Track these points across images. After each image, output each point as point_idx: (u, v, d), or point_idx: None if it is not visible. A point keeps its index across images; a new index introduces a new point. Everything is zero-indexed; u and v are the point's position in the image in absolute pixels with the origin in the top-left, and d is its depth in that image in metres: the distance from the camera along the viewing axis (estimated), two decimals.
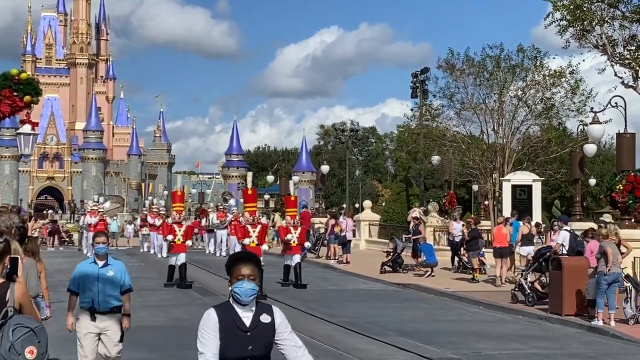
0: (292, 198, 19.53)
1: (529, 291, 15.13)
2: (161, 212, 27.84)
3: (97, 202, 30.42)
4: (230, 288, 3.28)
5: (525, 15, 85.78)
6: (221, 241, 27.37)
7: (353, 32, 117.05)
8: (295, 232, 17.16)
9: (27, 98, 9.86)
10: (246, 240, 15.91)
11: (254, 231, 15.83)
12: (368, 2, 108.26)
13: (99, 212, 25.35)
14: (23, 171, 55.26)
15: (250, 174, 21.32)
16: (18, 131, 13.52)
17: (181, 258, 16.89)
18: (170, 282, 17.07)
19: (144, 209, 36.69)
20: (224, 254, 26.70)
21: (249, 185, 18.27)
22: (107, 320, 6.93)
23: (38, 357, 4.49)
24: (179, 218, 17.75)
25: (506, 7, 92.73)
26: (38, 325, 4.65)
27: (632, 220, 16.90)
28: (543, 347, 12.12)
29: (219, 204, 34.41)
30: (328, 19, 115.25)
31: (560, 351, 12.01)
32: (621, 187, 17.14)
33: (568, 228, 16.35)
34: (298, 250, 17.46)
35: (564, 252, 15.24)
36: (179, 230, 16.94)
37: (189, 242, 17.58)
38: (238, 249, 26.52)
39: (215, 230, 27.73)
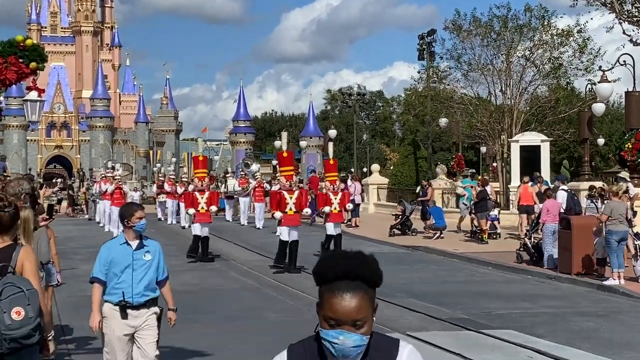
0: (332, 161, 17.69)
1: (533, 250, 15.22)
2: (183, 180, 25.87)
3: (111, 168, 28.90)
4: (318, 328, 1.84)
5: None
6: (244, 209, 26.38)
7: None
8: (336, 199, 15.75)
9: (32, 64, 9.85)
10: (277, 214, 14.35)
11: (290, 197, 14.46)
12: None
13: (115, 179, 23.58)
14: (31, 140, 55.36)
15: (285, 135, 18.82)
16: (25, 98, 13.50)
17: (206, 230, 15.94)
18: (193, 255, 15.96)
19: (160, 175, 35.24)
20: (245, 222, 26.08)
21: (284, 147, 16.28)
22: (142, 317, 5.57)
23: (25, 319, 4.37)
24: (202, 185, 16.28)
25: None
26: (31, 288, 4.51)
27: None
28: (553, 306, 12.19)
29: (241, 169, 33.10)
30: None
31: (570, 310, 12.06)
32: (630, 146, 17.33)
33: (566, 188, 16.41)
34: (340, 217, 16.40)
35: (562, 211, 15.05)
36: (202, 198, 15.76)
37: (213, 208, 16.26)
38: (261, 216, 24.45)
39: (237, 197, 26.77)
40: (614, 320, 11.19)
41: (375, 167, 34.05)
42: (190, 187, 21.30)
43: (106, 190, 23.59)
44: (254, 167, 34.63)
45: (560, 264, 14.51)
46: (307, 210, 15.96)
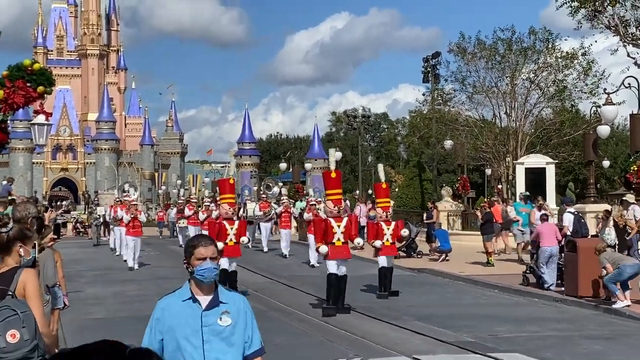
0: (384, 185, 15.21)
1: (539, 273, 14.82)
2: (206, 204, 23.73)
3: (127, 191, 26.00)
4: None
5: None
6: (266, 234, 24.25)
7: (362, 17, 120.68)
8: (388, 229, 13.91)
9: (40, 88, 9.77)
10: (323, 248, 12.17)
11: (338, 226, 12.38)
12: None
13: (132, 205, 20.52)
14: (37, 163, 55.45)
15: (333, 152, 15.56)
16: (32, 122, 13.61)
17: (234, 264, 13.71)
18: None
19: (181, 198, 32.45)
20: (266, 249, 23.78)
21: (333, 166, 13.04)
22: None
23: (21, 342, 4.32)
24: (231, 213, 13.95)
25: None
26: (26, 310, 4.44)
27: None
28: (560, 329, 12.12)
29: (262, 192, 30.12)
30: (338, 4, 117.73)
31: (577, 333, 11.98)
32: (635, 168, 17.33)
33: (572, 210, 16.43)
34: (393, 250, 14.66)
35: (568, 234, 15.12)
36: (231, 229, 13.36)
37: (244, 239, 13.79)
38: (288, 244, 21.84)
39: (257, 222, 24.34)
40: (622, 343, 11.08)
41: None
42: (214, 214, 19.53)
43: (122, 218, 21.15)
44: (276, 189, 32.33)
45: (566, 287, 14.52)
46: (358, 241, 13.29)
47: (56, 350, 7.45)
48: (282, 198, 25.17)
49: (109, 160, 55.99)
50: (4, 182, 23.92)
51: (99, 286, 17.95)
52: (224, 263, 13.33)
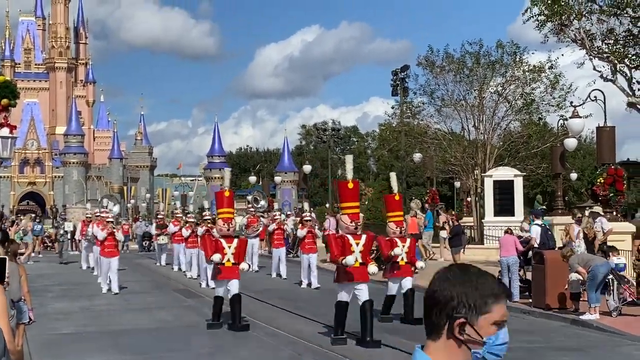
0: (397, 197, 13.55)
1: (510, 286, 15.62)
2: (189, 220, 21.93)
3: (105, 207, 23.31)
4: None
5: (502, 11, 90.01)
6: (255, 251, 22.42)
7: (333, 30, 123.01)
8: (404, 246, 12.61)
9: (4, 101, 9.73)
10: (350, 259, 10.50)
11: (357, 244, 10.81)
12: (347, 0, 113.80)
13: (108, 222, 18.45)
14: (4, 177, 55.65)
15: (350, 158, 12.66)
16: None
17: (233, 287, 12.19)
18: (216, 322, 12.38)
19: (161, 212, 30.44)
20: (256, 267, 21.95)
21: (350, 175, 11.20)
22: None
23: None
24: (228, 230, 12.59)
25: (483, 3, 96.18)
26: None
27: (614, 213, 17.36)
28: (528, 341, 12.17)
29: (250, 206, 27.32)
30: (308, 18, 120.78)
31: (545, 344, 12.25)
32: (602, 181, 17.73)
33: (540, 222, 16.63)
34: (409, 271, 12.88)
35: (535, 246, 15.38)
36: (229, 247, 12.22)
37: (243, 266, 12.40)
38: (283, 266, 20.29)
39: (245, 237, 22.45)
40: (589, 355, 11.28)
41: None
42: (200, 230, 18.74)
43: (98, 237, 19.24)
44: (263, 202, 31.29)
45: (534, 299, 14.78)
46: (373, 270, 11.08)
47: None
48: (274, 214, 23.21)
49: (77, 174, 56.15)
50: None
51: (66, 301, 17.86)
52: (219, 288, 12.38)
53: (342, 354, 11.28)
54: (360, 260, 10.62)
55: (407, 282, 12.71)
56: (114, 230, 17.96)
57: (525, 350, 11.44)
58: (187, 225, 21.70)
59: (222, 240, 12.22)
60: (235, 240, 12.44)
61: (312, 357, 11.23)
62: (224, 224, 12.48)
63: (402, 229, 13.25)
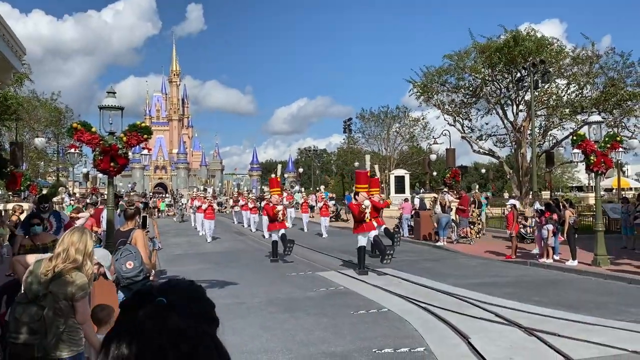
0: (369, 174, 18.37)
1: (402, 228, 22.71)
2: (251, 196, 31.05)
3: (203, 190, 34.69)
4: None
5: (397, 91, 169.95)
6: (290, 216, 28.27)
7: (313, 100, 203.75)
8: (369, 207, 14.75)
9: (145, 135, 10.87)
10: (365, 207, 14.49)
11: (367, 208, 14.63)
12: (318, 82, 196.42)
13: (206, 198, 25.83)
14: (146, 175, 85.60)
15: (368, 157, 17.84)
16: (141, 152, 21.74)
17: (282, 231, 16.59)
18: (275, 258, 16.12)
19: (235, 192, 43.98)
20: (306, 229, 27.06)
21: (368, 168, 14.20)
22: None
23: (135, 267, 6.15)
24: (279, 201, 17.16)
25: (388, 87, 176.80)
26: (136, 251, 6.35)
27: (454, 192, 23.93)
28: (411, 256, 16.73)
29: (287, 189, 37.74)
30: (301, 93, 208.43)
31: (419, 258, 16.53)
32: (448, 175, 25.33)
33: (418, 197, 24.15)
34: (372, 227, 14.91)
35: (416, 209, 22.74)
36: (279, 211, 16.56)
37: (288, 224, 17.31)
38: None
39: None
40: (442, 263, 15.25)
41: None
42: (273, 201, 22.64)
43: (200, 206, 25.75)
44: (297, 187, 46.13)
45: (414, 234, 21.51)
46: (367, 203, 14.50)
47: (153, 272, 10.01)
48: (321, 194, 30.93)
49: (184, 173, 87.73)
50: (129, 186, 34.67)
51: (178, 237, 25.13)
52: (273, 235, 16.69)
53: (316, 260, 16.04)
54: (369, 218, 14.18)
55: (372, 234, 14.55)
56: (212, 203, 24.34)
57: (408, 261, 15.47)
58: (251, 199, 30.31)
59: (277, 206, 16.59)
60: (281, 207, 16.72)
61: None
62: (278, 197, 17.16)
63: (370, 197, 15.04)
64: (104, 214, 11.65)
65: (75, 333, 3.81)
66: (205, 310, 1.11)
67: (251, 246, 20.94)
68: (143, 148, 20.95)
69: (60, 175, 39.11)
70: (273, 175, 18.12)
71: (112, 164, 10.09)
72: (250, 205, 28.58)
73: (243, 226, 29.63)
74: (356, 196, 14.82)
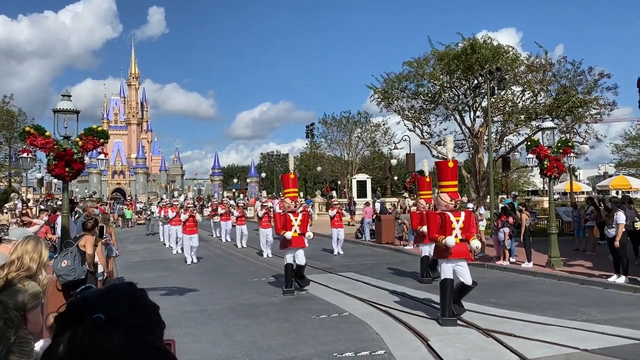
0: (427, 179, 13.93)
1: (364, 233, 23.19)
2: (239, 204, 25.15)
3: (175, 197, 29.86)
4: None
5: (359, 96, 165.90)
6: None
7: (275, 105, 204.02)
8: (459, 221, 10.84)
9: (101, 140, 10.77)
10: (450, 240, 9.09)
11: (457, 221, 9.48)
12: (279, 88, 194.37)
13: (188, 207, 19.42)
14: (104, 180, 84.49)
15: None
16: (98, 157, 20.98)
17: (300, 256, 11.89)
18: (290, 289, 11.82)
19: (213, 199, 39.26)
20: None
21: (450, 155, 9.95)
22: None
23: (68, 266, 6.38)
24: (295, 206, 12.45)
25: (351, 91, 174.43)
26: (76, 252, 6.54)
27: (414, 196, 21.20)
28: (373, 260, 16.96)
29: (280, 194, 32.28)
30: (263, 97, 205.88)
31: (381, 261, 16.69)
32: (409, 180, 25.78)
33: (379, 201, 25.26)
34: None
35: (377, 212, 23.27)
36: (296, 221, 11.97)
37: (309, 234, 12.14)
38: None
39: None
40: (403, 266, 15.39)
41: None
42: (273, 205, 21.48)
43: (175, 217, 21.29)
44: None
45: (376, 239, 21.54)
46: (476, 245, 9.33)
47: (113, 277, 10.75)
48: (335, 201, 23.47)
49: (142, 178, 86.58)
50: (89, 193, 33.57)
51: (136, 244, 25.02)
52: (288, 256, 11.86)
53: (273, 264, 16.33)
54: (460, 237, 9.13)
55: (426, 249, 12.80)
56: (193, 212, 18.51)
57: (370, 264, 15.53)
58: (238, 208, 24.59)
59: (290, 215, 11.89)
60: (300, 215, 12.10)
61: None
62: (291, 202, 12.19)
63: (430, 205, 13.26)
64: (59, 220, 11.38)
65: (27, 344, 3.69)
66: (148, 318, 1.07)
67: (213, 252, 20.91)
68: (100, 153, 20.36)
69: (12, 180, 37.80)
70: (292, 170, 12.95)
71: (67, 169, 9.84)
72: (236, 213, 23.11)
73: (221, 240, 25.72)
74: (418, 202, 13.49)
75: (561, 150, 14.88)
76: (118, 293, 1.08)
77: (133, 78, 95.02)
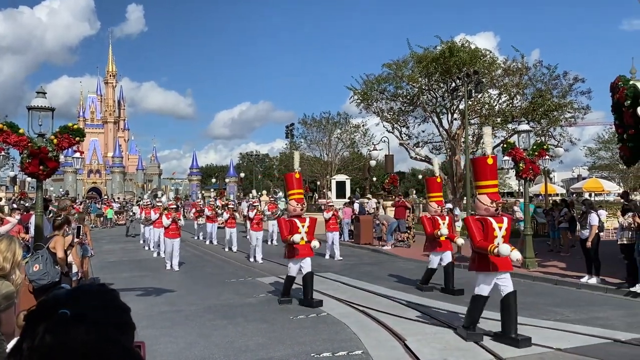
0: (438, 180, 12.71)
1: (343, 233, 22.25)
2: (229, 205, 22.78)
3: (159, 197, 25.25)
4: None
5: (338, 97, 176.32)
6: (273, 231, 22.90)
7: (254, 105, 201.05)
8: (444, 223, 11.62)
9: (77, 138, 10.59)
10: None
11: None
12: (259, 88, 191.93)
13: (171, 208, 17.38)
14: (79, 179, 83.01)
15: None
16: (74, 156, 20.70)
17: (307, 264, 10.52)
18: (287, 298, 10.68)
19: (199, 201, 36.30)
20: (275, 242, 22.43)
21: (489, 151, 8.56)
22: None
23: (40, 270, 6.28)
24: (301, 209, 10.90)
25: (330, 92, 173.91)
26: (47, 255, 6.43)
27: (393, 197, 24.36)
28: (350, 261, 17.02)
29: (270, 196, 29.25)
30: (242, 97, 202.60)
31: (359, 262, 16.92)
32: (387, 181, 25.83)
33: (358, 202, 24.31)
34: (449, 246, 11.90)
35: (356, 213, 22.97)
36: (302, 226, 10.56)
37: (315, 243, 10.46)
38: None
39: (267, 220, 21.78)
40: (381, 267, 15.50)
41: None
42: (279, 211, 20.44)
43: (158, 219, 19.65)
44: (281, 194, 36.13)
45: (354, 239, 21.47)
46: (516, 256, 7.61)
47: (88, 277, 10.79)
48: (329, 202, 20.95)
49: (119, 177, 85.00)
50: (62, 191, 32.86)
51: (112, 244, 24.40)
52: (292, 267, 10.62)
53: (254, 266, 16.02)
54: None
55: (448, 256, 11.71)
56: (177, 215, 16.78)
57: (349, 265, 15.70)
58: (208, 206, 24.78)
59: (297, 220, 10.58)
60: (307, 220, 10.78)
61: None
62: (297, 204, 10.74)
63: (443, 208, 12.37)
64: (32, 219, 11.21)
65: None
66: (116, 318, 1.03)
67: (190, 252, 20.70)
68: (75, 151, 20.13)
69: None
70: (297, 168, 11.46)
71: (41, 167, 9.66)
72: (225, 216, 21.27)
73: (205, 242, 24.28)
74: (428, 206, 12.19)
75: (536, 153, 15.14)
76: (89, 292, 1.05)
77: (110, 76, 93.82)
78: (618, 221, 13.47)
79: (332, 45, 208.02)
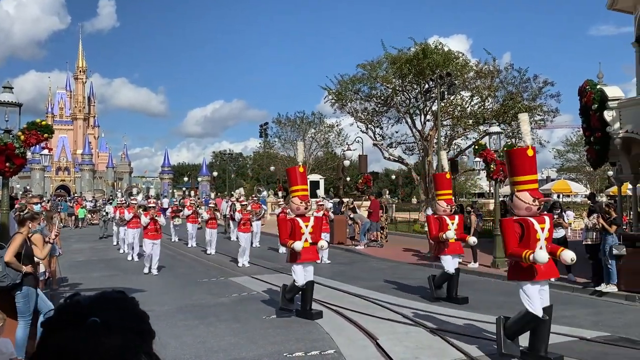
0: (448, 176, 11.43)
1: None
2: (209, 206, 21.50)
3: (134, 195, 21.81)
4: None
5: (312, 97, 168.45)
6: (257, 231, 21.88)
7: (228, 103, 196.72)
8: (453, 223, 10.84)
9: (45, 135, 10.44)
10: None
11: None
12: (233, 86, 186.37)
13: (149, 207, 16.36)
14: (47, 177, 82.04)
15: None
16: (41, 152, 20.01)
17: (309, 272, 9.49)
18: (287, 308, 9.68)
19: (174, 200, 33.37)
20: (257, 244, 21.41)
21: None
22: None
23: (1, 272, 6.12)
24: (306, 208, 9.67)
25: (306, 90, 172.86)
26: (3, 255, 6.23)
27: (366, 197, 24.93)
28: (326, 261, 17.03)
29: (254, 195, 28.08)
30: (216, 95, 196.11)
31: (332, 261, 16.78)
32: (361, 181, 26.02)
33: (331, 202, 24.16)
34: (459, 249, 10.98)
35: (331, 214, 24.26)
36: (306, 227, 9.50)
37: (322, 243, 9.51)
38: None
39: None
40: (354, 266, 15.93)
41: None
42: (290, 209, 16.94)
43: (131, 219, 18.34)
44: (265, 193, 35.64)
45: (331, 240, 20.25)
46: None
47: (56, 277, 11.67)
48: (319, 201, 20.08)
49: (88, 175, 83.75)
50: (25, 188, 31.93)
51: (81, 243, 23.86)
52: (297, 272, 9.47)
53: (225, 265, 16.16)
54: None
55: (455, 262, 10.93)
56: (155, 215, 15.68)
57: (321, 266, 15.14)
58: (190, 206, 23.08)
59: (299, 220, 9.52)
60: (312, 219, 9.74)
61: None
62: (301, 202, 9.60)
63: (452, 207, 11.40)
64: None
65: None
66: (139, 326, 1.04)
67: (162, 252, 20.50)
68: (43, 148, 19.60)
69: None
70: (300, 161, 10.08)
71: (8, 164, 9.48)
72: (206, 216, 20.24)
73: (187, 245, 22.56)
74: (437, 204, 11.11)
75: None
76: (110, 300, 1.06)
77: (80, 71, 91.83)
78: (584, 222, 13.78)
79: (306, 45, 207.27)
